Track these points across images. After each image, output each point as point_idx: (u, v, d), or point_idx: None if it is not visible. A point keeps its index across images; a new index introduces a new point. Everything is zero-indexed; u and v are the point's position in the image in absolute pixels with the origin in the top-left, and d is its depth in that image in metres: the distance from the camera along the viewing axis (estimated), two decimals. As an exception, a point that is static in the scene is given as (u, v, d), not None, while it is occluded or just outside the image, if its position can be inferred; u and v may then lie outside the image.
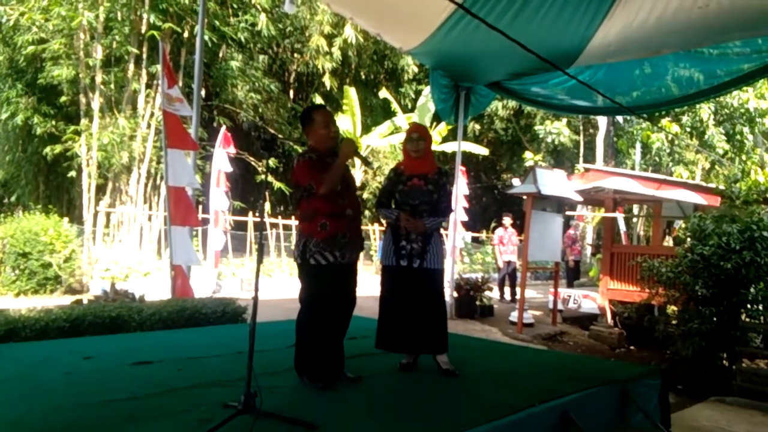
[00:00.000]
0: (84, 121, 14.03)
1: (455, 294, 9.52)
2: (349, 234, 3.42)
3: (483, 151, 19.51)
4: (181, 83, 14.59)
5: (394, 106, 18.61)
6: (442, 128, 18.11)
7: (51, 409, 2.79)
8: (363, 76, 21.44)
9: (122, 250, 13.30)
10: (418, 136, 3.94)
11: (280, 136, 18.15)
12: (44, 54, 13.54)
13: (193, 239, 12.59)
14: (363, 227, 20.02)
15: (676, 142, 14.05)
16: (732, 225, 7.04)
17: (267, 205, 17.47)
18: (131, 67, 14.37)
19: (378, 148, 19.92)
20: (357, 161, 16.16)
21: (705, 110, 12.95)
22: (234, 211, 17.55)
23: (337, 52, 18.89)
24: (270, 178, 16.98)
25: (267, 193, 18.62)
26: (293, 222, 16.44)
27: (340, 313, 3.43)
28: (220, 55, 16.80)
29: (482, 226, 23.68)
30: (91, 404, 2.87)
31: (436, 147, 18.14)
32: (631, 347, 9.15)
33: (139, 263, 12.53)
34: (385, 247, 3.90)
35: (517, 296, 10.49)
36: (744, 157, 12.15)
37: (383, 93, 18.97)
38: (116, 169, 14.05)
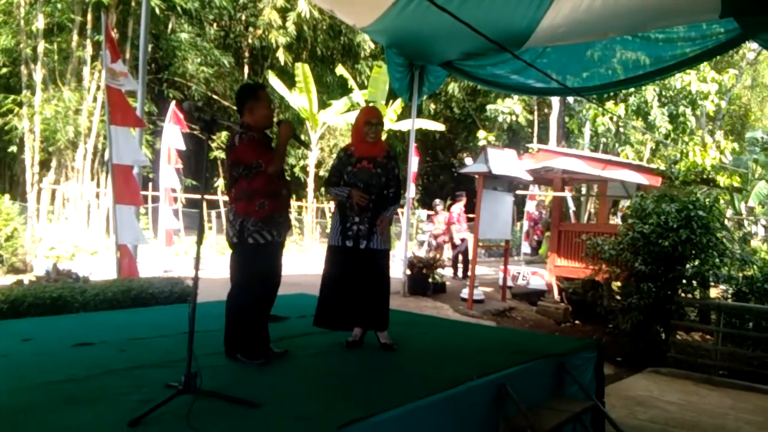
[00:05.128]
0: (26, 93, 13.41)
1: (408, 272, 9.64)
2: (284, 213, 3.47)
3: (439, 127, 19.55)
4: (128, 55, 14.10)
5: (351, 83, 18.44)
6: (397, 106, 18.08)
7: (-15, 392, 2.72)
8: (319, 52, 21.11)
9: (68, 229, 12.88)
10: (377, 121, 3.98)
11: (221, 118, 17.76)
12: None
13: (142, 217, 12.32)
14: (319, 205, 20.06)
15: (621, 123, 14.48)
16: (671, 204, 7.37)
17: (220, 182, 17.17)
18: (75, 36, 13.77)
19: (334, 126, 19.75)
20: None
21: (650, 92, 13.35)
22: (186, 188, 17.19)
23: (291, 27, 18.54)
24: (224, 155, 16.65)
25: (220, 170, 18.30)
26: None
27: (271, 290, 3.48)
28: (170, 26, 16.24)
29: (439, 204, 23.90)
30: (28, 387, 2.80)
31: (392, 125, 18.13)
32: (576, 322, 9.51)
33: (86, 242, 12.17)
34: (333, 228, 3.95)
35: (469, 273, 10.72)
36: (686, 139, 12.60)
37: (340, 69, 18.76)
38: (61, 144, 13.52)
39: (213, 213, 16.53)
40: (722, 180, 10.05)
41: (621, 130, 15.11)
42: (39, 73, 13.22)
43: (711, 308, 7.63)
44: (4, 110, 13.43)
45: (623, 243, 7.76)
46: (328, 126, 19.29)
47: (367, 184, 3.84)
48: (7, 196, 12.33)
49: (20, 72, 13.66)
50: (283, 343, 3.76)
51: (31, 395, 2.70)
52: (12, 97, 13.50)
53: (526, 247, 15.72)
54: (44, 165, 14.00)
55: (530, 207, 15.97)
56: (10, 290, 4.98)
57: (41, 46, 13.23)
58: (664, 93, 13.65)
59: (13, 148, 13.94)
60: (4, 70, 13.68)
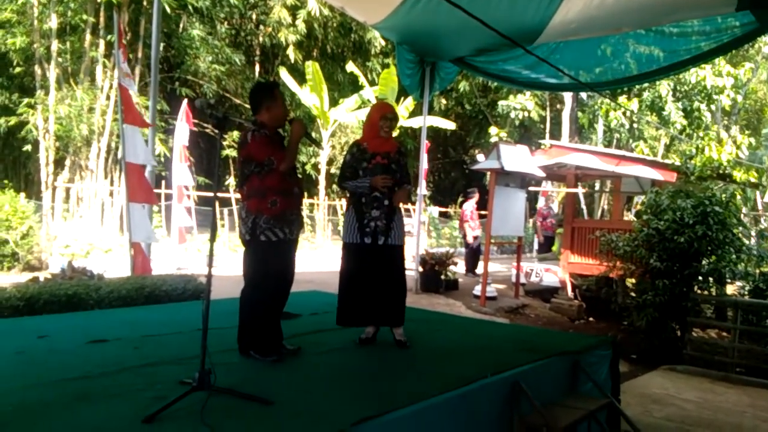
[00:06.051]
0: (39, 93, 13.54)
1: (420, 268, 9.61)
2: (295, 211, 3.48)
3: (450, 125, 19.48)
4: (140, 54, 14.19)
5: (362, 80, 18.42)
6: (409, 103, 18.02)
7: (0, 390, 2.74)
8: (329, 50, 21.10)
9: (83, 227, 13.00)
10: (392, 115, 4.00)
11: (233, 116, 17.83)
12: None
13: (155, 215, 12.39)
14: (331, 203, 20.06)
15: (635, 118, 14.32)
16: (686, 200, 7.26)
17: (231, 180, 17.24)
18: (88, 36, 13.87)
19: (345, 123, 19.75)
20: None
21: (664, 86, 13.19)
22: (199, 186, 17.27)
23: (301, 25, 18.55)
24: (235, 153, 16.72)
25: (231, 168, 18.38)
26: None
27: (284, 287, 3.48)
28: (181, 24, 16.32)
29: (451, 201, 23.84)
30: (43, 384, 2.82)
31: (403, 122, 18.09)
32: (590, 319, 9.43)
33: (100, 240, 12.28)
34: (348, 225, 3.91)
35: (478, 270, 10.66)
36: (701, 134, 12.44)
37: (350, 66, 18.73)
38: (75, 142, 13.64)
39: (225, 211, 16.59)
40: (739, 175, 9.92)
41: (635, 125, 14.93)
42: (53, 73, 13.35)
43: (727, 305, 7.52)
44: (20, 111, 13.58)
45: (638, 239, 7.67)
46: (339, 123, 19.29)
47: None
48: (22, 194, 12.45)
49: (34, 71, 13.79)
50: (296, 341, 3.76)
51: (45, 392, 2.72)
52: (27, 100, 13.63)
53: (538, 244, 15.63)
54: (58, 164, 14.14)
55: (541, 203, 15.87)
56: (26, 287, 5.03)
57: (54, 45, 13.35)
58: (678, 88, 13.49)
59: (28, 147, 14.08)
60: (18, 69, 13.81)
